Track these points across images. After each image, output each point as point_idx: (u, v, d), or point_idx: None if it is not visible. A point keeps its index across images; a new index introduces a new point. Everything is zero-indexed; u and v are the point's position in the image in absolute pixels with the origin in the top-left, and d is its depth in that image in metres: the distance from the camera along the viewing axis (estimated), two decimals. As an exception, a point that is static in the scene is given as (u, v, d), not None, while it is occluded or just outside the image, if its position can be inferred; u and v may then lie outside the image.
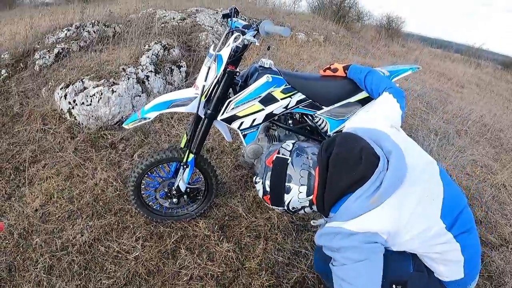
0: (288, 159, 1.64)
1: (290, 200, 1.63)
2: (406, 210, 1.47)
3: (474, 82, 10.54)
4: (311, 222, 1.98)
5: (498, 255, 2.93)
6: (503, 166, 4.45)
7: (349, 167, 1.52)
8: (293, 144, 1.72)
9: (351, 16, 15.22)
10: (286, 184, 1.61)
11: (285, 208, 1.67)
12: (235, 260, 2.62)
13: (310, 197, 1.62)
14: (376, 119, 1.83)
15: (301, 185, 1.60)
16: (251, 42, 2.32)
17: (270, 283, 2.48)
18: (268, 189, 1.66)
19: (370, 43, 11.39)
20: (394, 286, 1.67)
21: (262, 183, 1.68)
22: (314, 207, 1.67)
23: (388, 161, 1.53)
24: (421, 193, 1.51)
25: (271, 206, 1.71)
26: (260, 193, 1.68)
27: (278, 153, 1.67)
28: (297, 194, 1.62)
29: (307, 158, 1.63)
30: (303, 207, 1.67)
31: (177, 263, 2.58)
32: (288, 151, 1.67)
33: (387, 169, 1.50)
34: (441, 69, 10.73)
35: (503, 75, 14.62)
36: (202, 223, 2.86)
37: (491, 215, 3.44)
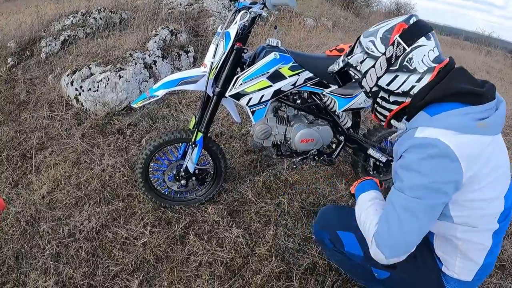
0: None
1: (420, 46, 1.46)
2: (489, 162, 1.39)
3: (485, 70, 10.32)
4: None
5: (510, 244, 2.84)
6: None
7: (471, 79, 1.46)
8: None
9: (360, 1, 15.03)
10: (430, 32, 1.48)
11: (396, 49, 1.47)
12: (244, 246, 2.57)
13: (433, 65, 1.47)
14: None
15: (435, 46, 1.47)
16: (259, 15, 2.32)
17: (280, 270, 2.42)
18: (411, 21, 1.48)
19: (379, 29, 11.21)
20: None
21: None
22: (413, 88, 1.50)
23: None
24: (503, 160, 1.46)
25: (395, 37, 1.48)
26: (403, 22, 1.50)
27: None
28: (429, 49, 1.46)
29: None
30: (403, 69, 1.48)
31: (185, 249, 2.54)
32: None
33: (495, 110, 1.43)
34: (451, 56, 10.54)
35: (514, 63, 14.37)
36: (211, 209, 2.81)
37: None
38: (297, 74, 2.45)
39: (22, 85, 4.32)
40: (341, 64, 1.69)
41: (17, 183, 3.13)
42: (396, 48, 1.46)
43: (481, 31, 16.96)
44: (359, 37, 1.63)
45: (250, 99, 2.45)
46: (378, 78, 1.54)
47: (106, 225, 2.70)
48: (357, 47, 1.62)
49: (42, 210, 2.81)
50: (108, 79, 3.82)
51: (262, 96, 2.45)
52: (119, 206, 2.83)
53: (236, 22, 2.32)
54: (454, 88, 1.40)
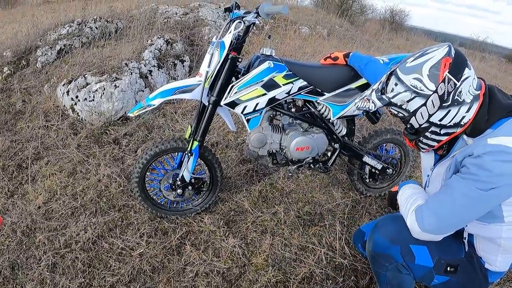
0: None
1: (467, 78, 1.49)
2: None
3: (479, 75, 10.37)
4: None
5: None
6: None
7: (505, 94, 1.61)
8: None
9: (355, 9, 15.13)
10: (469, 64, 1.51)
11: (447, 86, 1.48)
12: (241, 256, 2.56)
13: (477, 93, 1.54)
14: None
15: (474, 78, 1.54)
16: (252, 23, 2.39)
17: (277, 279, 2.42)
18: (453, 53, 1.50)
19: (374, 37, 11.28)
20: (448, 268, 1.76)
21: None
22: (466, 115, 1.54)
23: None
24: None
25: (444, 74, 1.48)
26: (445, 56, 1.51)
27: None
28: (472, 79, 1.52)
29: None
30: (455, 103, 1.51)
31: (182, 260, 2.53)
32: None
33: None
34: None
35: (507, 68, 14.47)
36: (207, 219, 2.81)
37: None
38: (291, 82, 2.49)
39: (18, 94, 4.31)
40: (380, 104, 1.64)
41: (12, 193, 3.11)
42: (448, 84, 1.48)
43: (475, 36, 17.11)
44: (393, 72, 1.60)
45: (245, 107, 2.49)
46: (430, 115, 1.55)
47: (102, 235, 2.69)
48: (396, 84, 1.57)
49: (38, 220, 2.80)
50: (104, 88, 3.83)
51: (257, 104, 2.49)
52: (115, 217, 2.82)
53: (230, 32, 2.37)
54: (506, 106, 1.53)
